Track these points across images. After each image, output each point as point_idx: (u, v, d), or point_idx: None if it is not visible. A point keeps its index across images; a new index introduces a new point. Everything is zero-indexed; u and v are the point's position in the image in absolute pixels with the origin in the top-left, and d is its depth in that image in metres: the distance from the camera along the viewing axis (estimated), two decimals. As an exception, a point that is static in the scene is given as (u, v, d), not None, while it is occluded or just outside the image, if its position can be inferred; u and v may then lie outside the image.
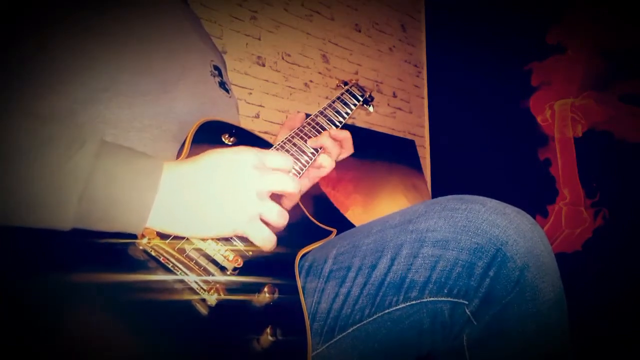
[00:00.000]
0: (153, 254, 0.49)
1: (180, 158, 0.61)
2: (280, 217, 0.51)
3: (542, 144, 2.29)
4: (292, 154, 0.70)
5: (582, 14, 2.23)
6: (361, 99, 0.91)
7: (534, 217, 0.57)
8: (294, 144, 0.72)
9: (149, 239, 0.49)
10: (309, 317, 0.57)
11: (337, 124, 0.81)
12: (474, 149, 2.56)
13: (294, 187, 0.52)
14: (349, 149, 0.78)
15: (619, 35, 2.08)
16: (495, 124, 2.49)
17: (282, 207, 0.52)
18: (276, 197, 0.53)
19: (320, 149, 0.75)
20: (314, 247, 0.69)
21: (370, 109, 0.95)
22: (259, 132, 2.21)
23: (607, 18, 2.14)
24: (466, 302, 0.54)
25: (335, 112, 0.83)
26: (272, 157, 0.53)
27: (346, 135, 0.77)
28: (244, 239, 0.54)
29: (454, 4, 2.79)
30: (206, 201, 0.48)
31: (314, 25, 2.39)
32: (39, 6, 0.56)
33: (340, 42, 2.50)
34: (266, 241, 0.51)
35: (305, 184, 0.78)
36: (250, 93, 2.08)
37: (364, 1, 2.65)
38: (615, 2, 2.12)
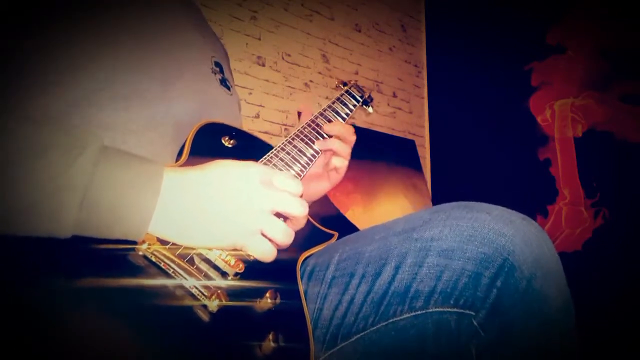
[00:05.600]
0: (153, 259, 0.48)
1: (180, 161, 0.60)
2: (284, 236, 0.50)
3: (542, 144, 2.29)
4: (292, 156, 0.70)
5: (582, 14, 2.23)
6: (360, 99, 0.91)
7: (534, 217, 0.56)
8: (295, 146, 0.72)
9: (149, 244, 0.48)
10: (311, 324, 0.56)
11: None
12: (474, 149, 2.56)
13: (300, 211, 0.51)
14: (352, 139, 0.79)
15: (619, 35, 2.08)
16: (495, 124, 2.49)
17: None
18: (282, 218, 0.52)
19: (327, 150, 0.75)
20: (315, 250, 0.68)
21: (370, 109, 0.95)
22: (259, 132, 2.21)
23: (607, 18, 2.13)
24: (473, 313, 0.53)
25: (335, 113, 0.83)
26: (282, 178, 0.52)
27: (347, 129, 0.78)
28: None
29: (454, 4, 2.79)
30: (206, 211, 0.47)
31: (314, 25, 2.38)
32: (34, 7, 0.56)
33: (340, 42, 2.49)
34: (265, 254, 0.50)
35: (326, 187, 0.79)
36: (250, 93, 2.08)
37: (364, 1, 2.64)
38: (615, 2, 2.11)
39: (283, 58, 2.23)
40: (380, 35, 2.71)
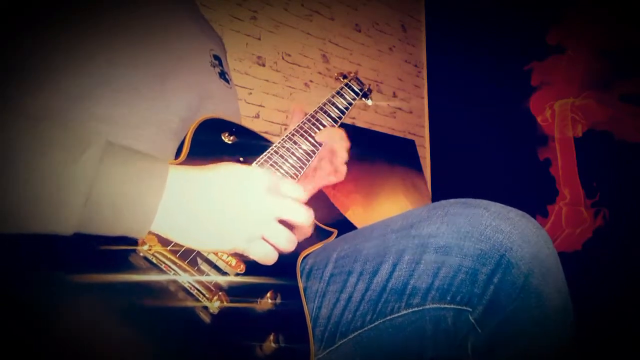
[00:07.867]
0: (154, 261, 0.48)
1: (180, 158, 0.60)
2: (287, 244, 0.49)
3: (542, 144, 2.29)
4: (292, 153, 0.70)
5: (582, 14, 2.22)
6: (360, 92, 0.89)
7: (534, 217, 0.56)
8: (295, 142, 0.72)
9: (149, 245, 0.48)
10: (310, 322, 0.56)
11: (337, 119, 0.80)
12: (474, 149, 2.56)
13: (305, 218, 0.50)
14: (346, 144, 0.75)
15: (619, 35, 2.08)
16: (496, 124, 2.49)
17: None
18: (287, 225, 0.51)
19: (321, 145, 0.74)
20: (315, 248, 0.68)
21: (369, 102, 0.94)
22: (259, 132, 2.20)
23: (607, 18, 2.13)
24: (470, 310, 0.53)
25: (335, 107, 0.82)
26: (289, 186, 0.52)
27: (338, 132, 0.75)
28: None
29: (454, 4, 2.79)
30: (210, 213, 0.46)
31: (314, 25, 2.38)
32: (33, 6, 0.56)
33: (340, 42, 2.49)
34: (267, 258, 0.49)
35: (309, 189, 0.76)
36: (250, 93, 2.08)
37: (364, 1, 2.64)
38: (615, 3, 2.11)
39: (283, 58, 2.23)
40: (380, 35, 2.71)
